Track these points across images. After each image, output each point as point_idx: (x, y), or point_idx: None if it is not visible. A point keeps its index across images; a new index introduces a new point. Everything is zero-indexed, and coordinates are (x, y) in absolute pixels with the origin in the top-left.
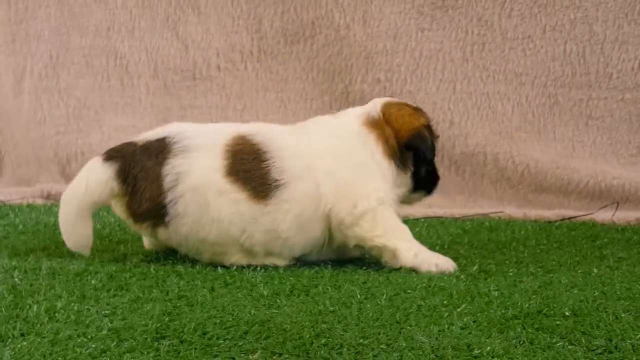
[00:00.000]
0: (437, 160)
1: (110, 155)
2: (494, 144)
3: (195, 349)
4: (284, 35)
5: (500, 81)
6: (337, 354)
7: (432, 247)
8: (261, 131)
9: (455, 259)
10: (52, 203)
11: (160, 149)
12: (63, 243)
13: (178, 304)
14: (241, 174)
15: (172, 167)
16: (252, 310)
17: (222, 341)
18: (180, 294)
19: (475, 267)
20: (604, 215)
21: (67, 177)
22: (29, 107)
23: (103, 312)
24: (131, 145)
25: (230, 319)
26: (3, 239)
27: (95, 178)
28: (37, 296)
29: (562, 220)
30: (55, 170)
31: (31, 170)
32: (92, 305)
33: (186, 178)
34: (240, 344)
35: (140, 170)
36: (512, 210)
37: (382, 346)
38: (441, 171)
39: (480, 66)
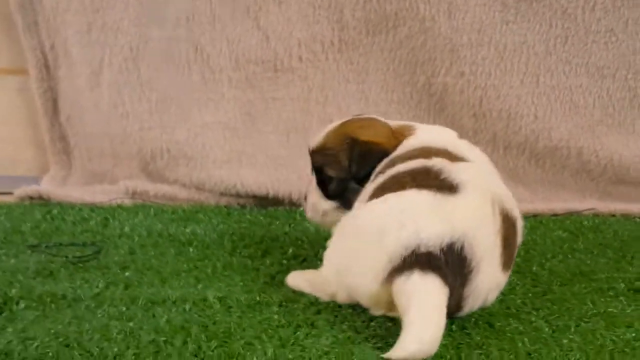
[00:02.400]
0: (518, 153)
1: (445, 279)
2: (577, 138)
3: None
4: (366, 26)
5: (582, 74)
6: None
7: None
8: (486, 189)
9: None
10: (142, 201)
11: (459, 266)
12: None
13: None
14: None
15: (471, 288)
16: None
17: None
18: None
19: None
20: None
21: (150, 174)
22: (109, 101)
23: None
24: (433, 256)
25: None
26: (128, 255)
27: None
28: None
29: None
30: (135, 166)
31: (104, 165)
32: None
33: (478, 294)
34: None
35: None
36: (596, 204)
37: None
38: (521, 164)
39: (563, 59)
